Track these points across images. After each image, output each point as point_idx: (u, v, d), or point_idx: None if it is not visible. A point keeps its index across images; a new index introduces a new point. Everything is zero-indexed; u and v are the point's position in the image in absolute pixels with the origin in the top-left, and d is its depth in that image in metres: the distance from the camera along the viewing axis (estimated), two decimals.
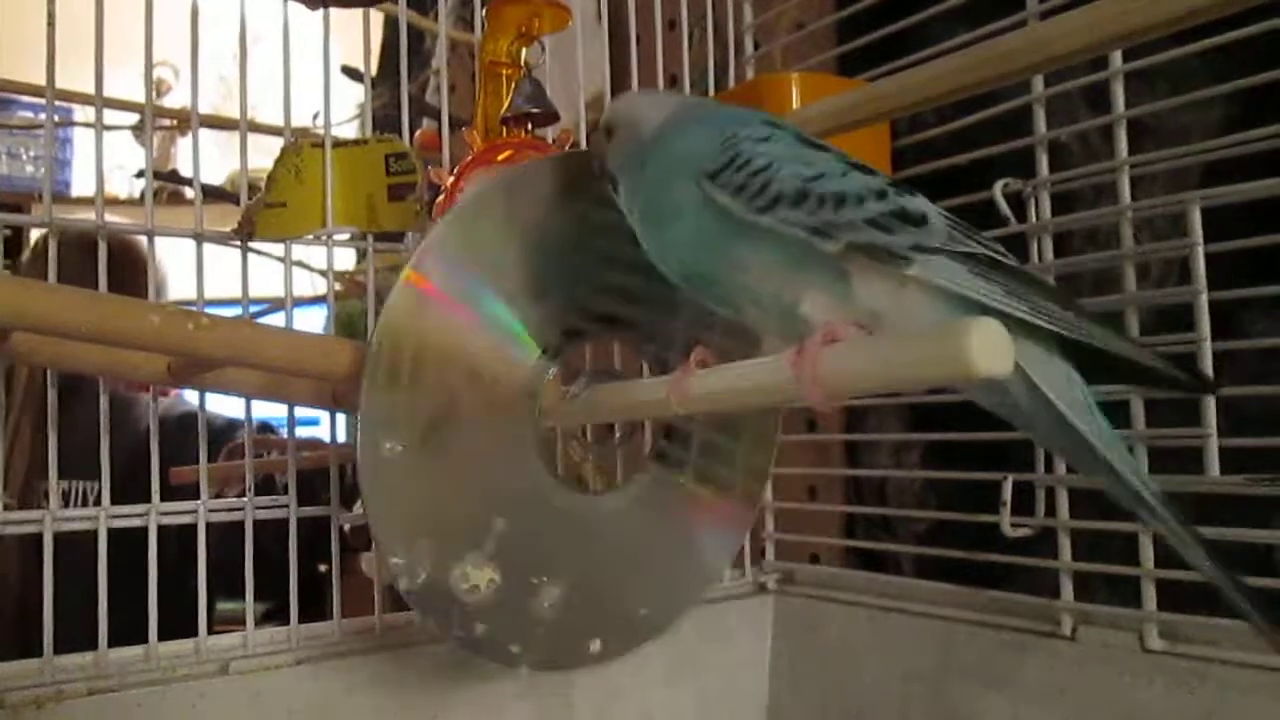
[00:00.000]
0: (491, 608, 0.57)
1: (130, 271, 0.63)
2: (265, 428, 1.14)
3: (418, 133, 1.14)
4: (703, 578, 0.69)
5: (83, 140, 2.55)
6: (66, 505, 0.61)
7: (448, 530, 0.56)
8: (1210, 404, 0.56)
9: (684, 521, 0.66)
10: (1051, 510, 0.65)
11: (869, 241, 0.43)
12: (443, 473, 0.56)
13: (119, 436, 0.62)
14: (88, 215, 0.62)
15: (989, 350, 0.36)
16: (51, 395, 0.61)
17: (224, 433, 1.28)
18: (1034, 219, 0.66)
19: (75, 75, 0.65)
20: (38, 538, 0.59)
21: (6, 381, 1.23)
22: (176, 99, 2.59)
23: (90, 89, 0.62)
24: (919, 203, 0.45)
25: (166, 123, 1.96)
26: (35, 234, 1.33)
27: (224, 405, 1.34)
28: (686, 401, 0.49)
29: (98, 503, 0.61)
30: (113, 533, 0.61)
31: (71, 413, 0.60)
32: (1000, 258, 0.44)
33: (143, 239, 1.16)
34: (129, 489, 0.63)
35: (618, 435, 0.68)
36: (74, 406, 0.60)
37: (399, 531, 0.55)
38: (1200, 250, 0.57)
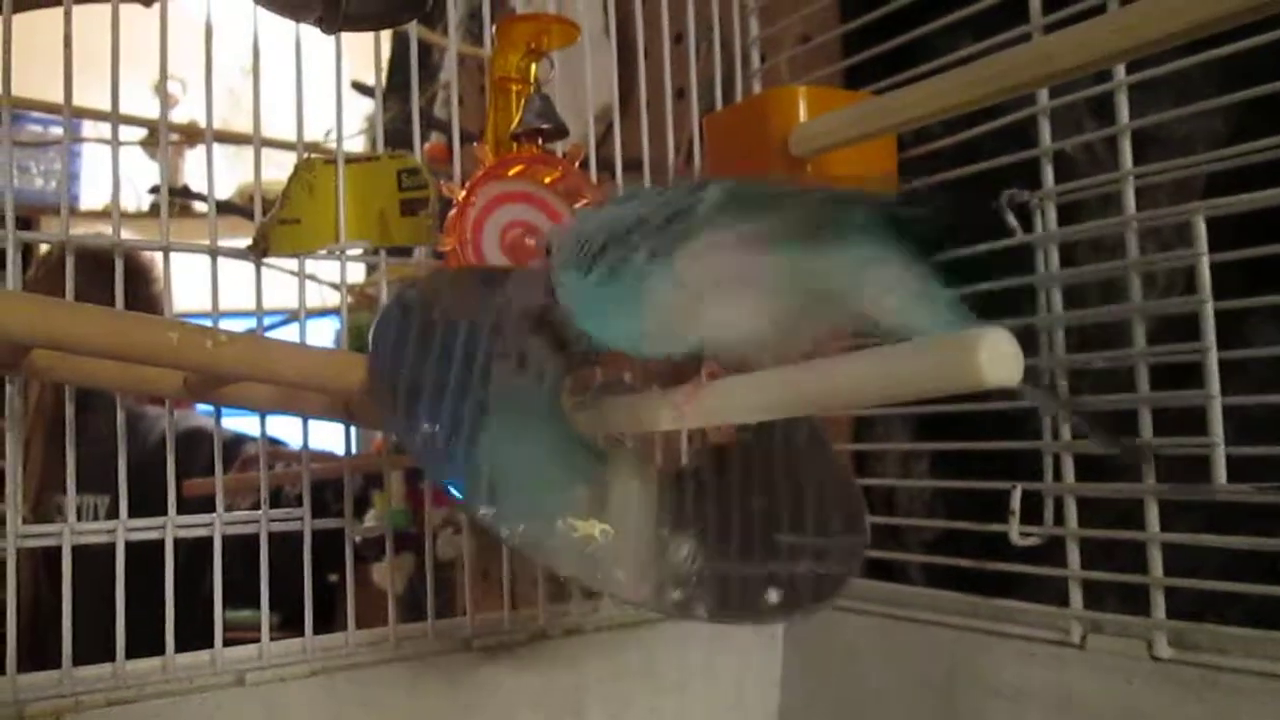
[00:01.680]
0: (624, 557, 0.54)
1: (133, 283, 0.64)
2: (273, 442, 1.15)
3: (426, 146, 1.15)
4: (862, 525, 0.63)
5: (91, 154, 2.57)
6: (80, 519, 0.61)
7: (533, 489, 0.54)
8: (1217, 413, 0.57)
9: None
10: (1060, 519, 0.65)
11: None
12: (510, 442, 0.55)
13: (128, 451, 0.63)
14: (98, 229, 0.63)
15: (998, 360, 0.36)
16: (70, 410, 0.61)
17: (230, 447, 1.29)
18: (1040, 229, 0.67)
19: (84, 90, 0.66)
20: (49, 552, 0.60)
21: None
22: (184, 112, 2.61)
23: (98, 103, 0.63)
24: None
25: (174, 137, 1.97)
26: (40, 246, 1.34)
27: (230, 420, 1.35)
28: (700, 415, 0.49)
29: (109, 516, 0.62)
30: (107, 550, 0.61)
31: (81, 427, 0.61)
32: None
33: (152, 257, 1.19)
34: (136, 504, 0.63)
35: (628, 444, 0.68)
36: (83, 421, 0.61)
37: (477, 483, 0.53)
38: (1205, 260, 0.58)
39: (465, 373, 0.54)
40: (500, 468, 0.52)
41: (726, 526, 0.58)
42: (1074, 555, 0.65)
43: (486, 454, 0.52)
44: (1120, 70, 0.62)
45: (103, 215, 0.64)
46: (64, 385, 0.61)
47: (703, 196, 0.46)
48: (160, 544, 0.63)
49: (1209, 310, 0.57)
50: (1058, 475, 0.66)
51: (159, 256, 0.66)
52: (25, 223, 2.36)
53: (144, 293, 1.13)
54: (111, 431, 0.62)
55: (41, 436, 1.10)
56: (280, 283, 0.80)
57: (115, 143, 0.63)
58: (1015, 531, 0.66)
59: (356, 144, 1.27)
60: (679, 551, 0.56)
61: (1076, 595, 0.64)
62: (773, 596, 0.57)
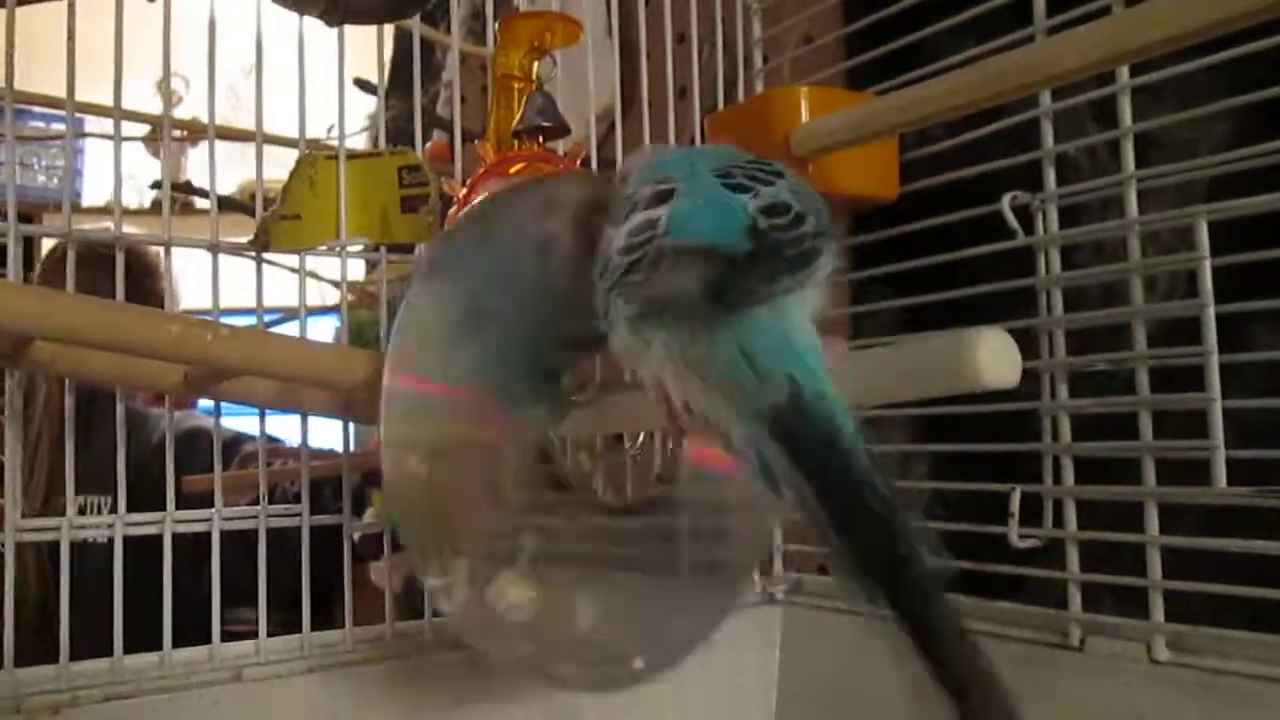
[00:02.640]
0: (535, 626, 0.55)
1: (142, 280, 0.64)
2: (271, 440, 1.15)
3: (428, 144, 1.15)
4: (732, 588, 0.66)
5: (94, 151, 2.57)
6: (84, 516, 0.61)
7: (479, 548, 0.55)
8: (1218, 416, 0.57)
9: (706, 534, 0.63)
10: (1059, 521, 0.65)
11: None
12: (464, 490, 0.55)
13: (130, 451, 0.63)
14: (101, 225, 0.63)
15: (996, 361, 0.36)
16: (69, 401, 0.61)
17: (230, 446, 1.29)
18: (1042, 232, 0.67)
19: (88, 86, 0.66)
20: (58, 549, 0.60)
21: (26, 401, 1.25)
22: (186, 110, 2.61)
23: (101, 99, 0.63)
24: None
25: (178, 134, 1.97)
26: (46, 243, 1.35)
27: (231, 420, 1.35)
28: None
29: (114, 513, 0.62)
30: (127, 543, 0.62)
31: (89, 429, 0.61)
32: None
33: (159, 253, 1.19)
34: (138, 502, 0.63)
35: (629, 445, 0.68)
36: (91, 423, 0.61)
37: (432, 550, 0.53)
38: (1207, 264, 0.58)
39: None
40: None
41: (629, 587, 0.59)
42: (1073, 558, 0.65)
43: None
44: (1124, 73, 0.62)
45: (105, 212, 0.64)
46: (72, 388, 0.61)
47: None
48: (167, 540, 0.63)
49: (1210, 314, 0.57)
50: (1057, 478, 0.66)
51: (187, 260, 0.66)
52: (28, 219, 2.36)
53: (153, 290, 1.14)
54: (114, 437, 0.62)
55: (50, 439, 1.11)
56: (279, 280, 0.80)
57: (118, 138, 0.64)
58: (1014, 534, 0.66)
59: (359, 142, 1.27)
60: (584, 620, 0.56)
61: (1075, 598, 0.64)
62: (638, 664, 0.57)
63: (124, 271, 0.62)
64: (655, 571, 0.61)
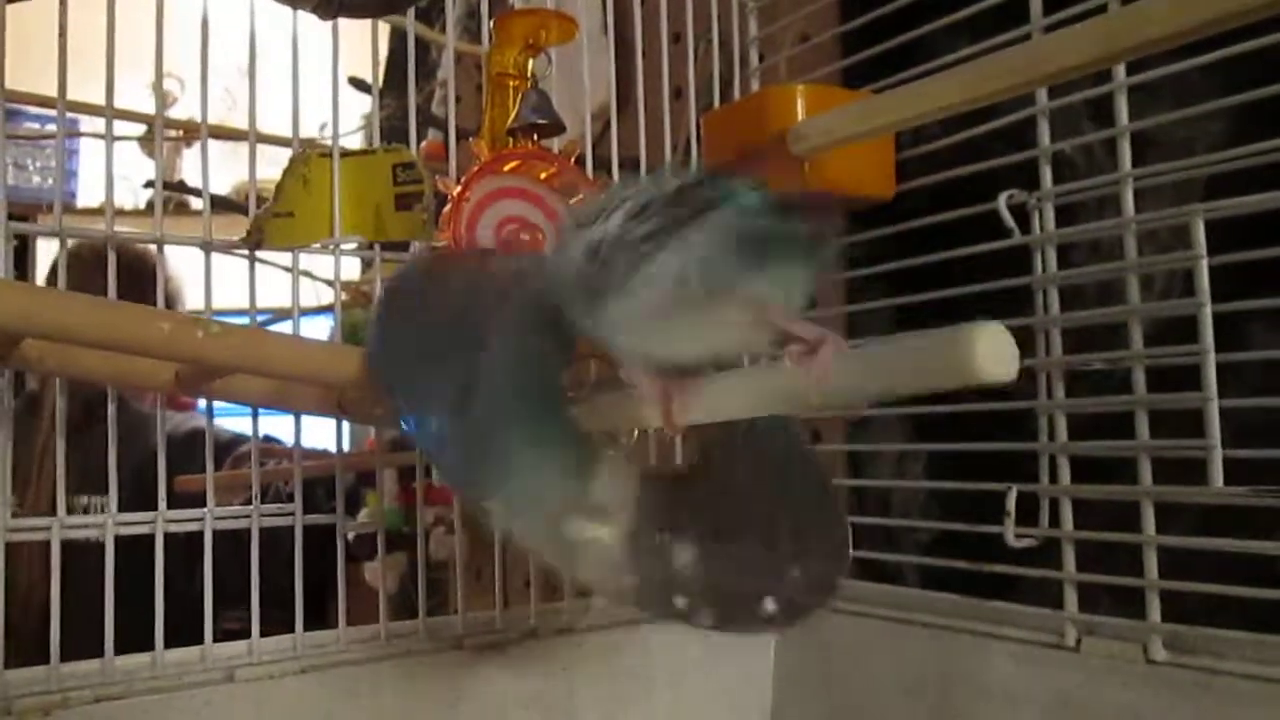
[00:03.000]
0: (631, 560, 0.53)
1: (146, 285, 0.64)
2: (268, 440, 1.15)
3: (423, 143, 1.15)
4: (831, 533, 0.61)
5: (89, 151, 2.56)
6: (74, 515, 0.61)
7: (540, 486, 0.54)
8: (1214, 415, 0.56)
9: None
10: (1056, 521, 0.65)
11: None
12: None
13: (132, 451, 0.63)
14: (95, 225, 0.63)
15: (993, 355, 0.36)
16: (60, 403, 0.61)
17: (229, 447, 1.29)
18: (1038, 231, 0.67)
19: (81, 86, 0.66)
20: (61, 548, 0.60)
21: (34, 405, 1.25)
22: (181, 110, 2.60)
23: (96, 99, 0.63)
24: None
25: (172, 134, 1.97)
26: (53, 250, 1.35)
27: (230, 420, 1.35)
28: (690, 412, 0.49)
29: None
30: (125, 542, 0.61)
31: (93, 431, 0.61)
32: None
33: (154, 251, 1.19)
34: (141, 502, 0.63)
35: (624, 442, 0.68)
36: (95, 425, 0.61)
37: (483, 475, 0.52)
38: (1204, 263, 0.57)
39: (466, 360, 0.53)
40: (506, 461, 0.52)
41: (723, 533, 0.57)
42: (1069, 558, 0.64)
43: (492, 445, 0.52)
44: (1120, 71, 0.62)
45: (99, 213, 0.64)
46: (76, 392, 0.61)
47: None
48: (166, 541, 0.63)
49: (1207, 313, 0.57)
50: (1054, 477, 0.65)
51: (181, 259, 0.66)
52: (22, 219, 2.35)
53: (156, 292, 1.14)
54: (121, 431, 0.62)
55: (56, 444, 1.12)
56: (273, 280, 0.80)
57: (109, 136, 0.63)
58: (1011, 533, 0.65)
59: (354, 141, 1.27)
60: (681, 558, 0.55)
61: (1071, 598, 0.64)
62: (769, 606, 0.56)
63: (133, 278, 0.63)
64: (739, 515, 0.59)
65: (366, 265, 1.13)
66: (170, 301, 1.16)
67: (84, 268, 0.61)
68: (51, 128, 0.64)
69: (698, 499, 0.58)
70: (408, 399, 0.53)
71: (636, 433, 0.67)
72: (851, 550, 0.61)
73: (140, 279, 0.66)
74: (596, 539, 0.53)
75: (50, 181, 2.59)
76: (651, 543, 0.55)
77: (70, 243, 0.64)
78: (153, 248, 0.64)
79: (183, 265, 1.21)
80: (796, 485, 0.61)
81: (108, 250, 0.62)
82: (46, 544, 0.60)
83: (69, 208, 2.39)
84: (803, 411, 0.52)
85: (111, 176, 0.63)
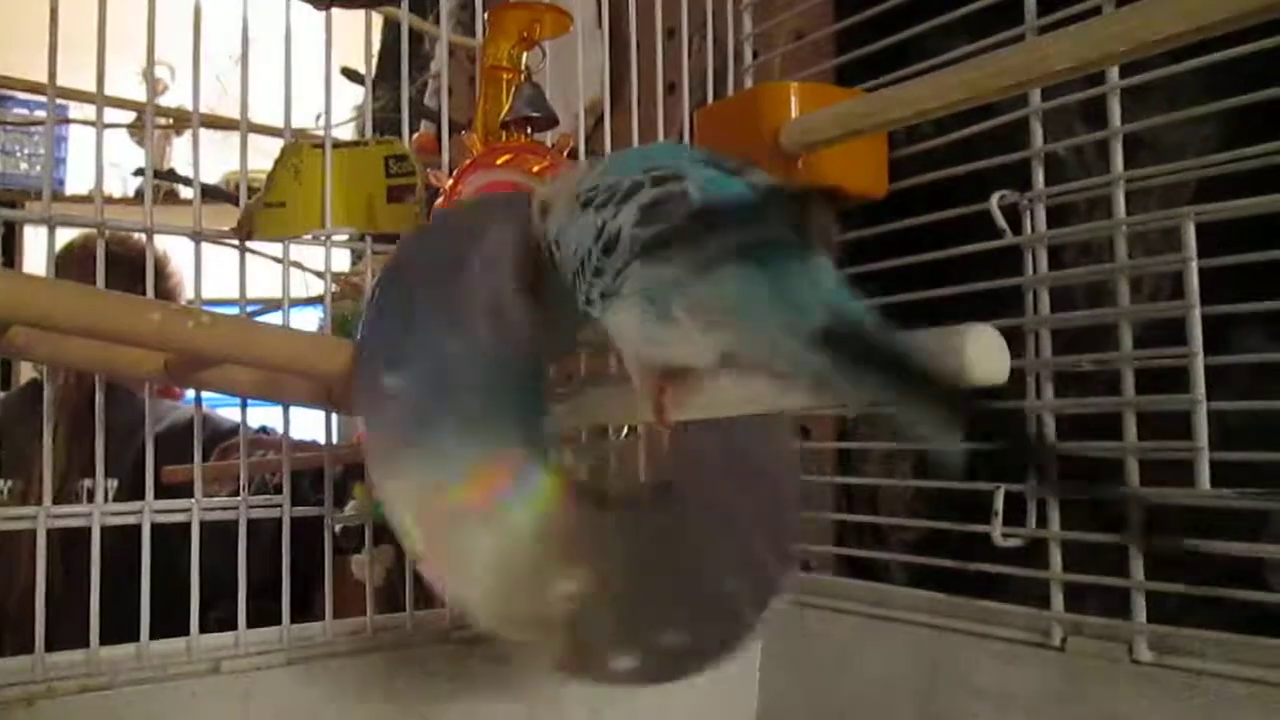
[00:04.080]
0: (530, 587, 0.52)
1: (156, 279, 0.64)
2: (263, 431, 1.15)
3: (415, 135, 1.14)
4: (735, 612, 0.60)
5: (78, 138, 2.55)
6: (91, 501, 0.61)
7: None
8: (1203, 418, 0.57)
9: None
10: (1043, 520, 0.65)
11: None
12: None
13: (135, 440, 0.63)
14: (84, 212, 0.62)
15: (984, 357, 0.36)
16: (49, 390, 0.61)
17: (227, 435, 1.29)
18: (1029, 231, 0.67)
19: (72, 73, 0.65)
20: (65, 537, 0.61)
21: (38, 393, 1.25)
22: (172, 99, 2.59)
23: (86, 86, 0.62)
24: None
25: (163, 122, 1.96)
26: (42, 237, 1.35)
27: (229, 410, 1.35)
28: (679, 410, 0.49)
29: (118, 499, 0.62)
30: (132, 530, 0.62)
31: (104, 415, 0.62)
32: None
33: (166, 250, 1.19)
34: (140, 489, 0.63)
35: (613, 438, 0.68)
36: (105, 410, 0.62)
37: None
38: (1194, 265, 0.58)
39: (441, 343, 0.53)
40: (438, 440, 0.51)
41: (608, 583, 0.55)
42: (1056, 557, 0.65)
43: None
44: (1113, 74, 0.62)
45: (88, 200, 0.63)
46: (91, 382, 0.61)
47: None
48: (169, 530, 0.63)
49: (1196, 315, 0.57)
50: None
51: (175, 250, 0.66)
52: (9, 206, 2.34)
53: (158, 286, 1.14)
54: (125, 420, 0.62)
55: (65, 430, 1.13)
56: (265, 271, 0.80)
57: (100, 124, 0.63)
58: (998, 532, 0.66)
59: (346, 132, 1.27)
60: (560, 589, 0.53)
61: (1058, 597, 0.64)
62: (624, 663, 0.56)
63: (139, 275, 0.63)
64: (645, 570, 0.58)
65: (358, 257, 1.12)
66: (171, 295, 1.16)
67: (91, 263, 0.61)
68: (41, 114, 0.64)
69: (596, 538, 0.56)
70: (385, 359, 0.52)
71: (626, 430, 0.67)
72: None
73: (144, 275, 0.66)
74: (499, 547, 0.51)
75: (39, 168, 2.58)
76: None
77: (78, 237, 0.64)
78: (164, 241, 0.64)
79: (174, 255, 1.21)
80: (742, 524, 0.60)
81: (104, 240, 0.61)
82: (51, 531, 0.60)
83: (58, 195, 2.39)
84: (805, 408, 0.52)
85: (101, 164, 0.63)
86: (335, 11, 0.70)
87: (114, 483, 1.04)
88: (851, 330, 0.39)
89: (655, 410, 0.49)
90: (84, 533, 0.61)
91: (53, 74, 0.60)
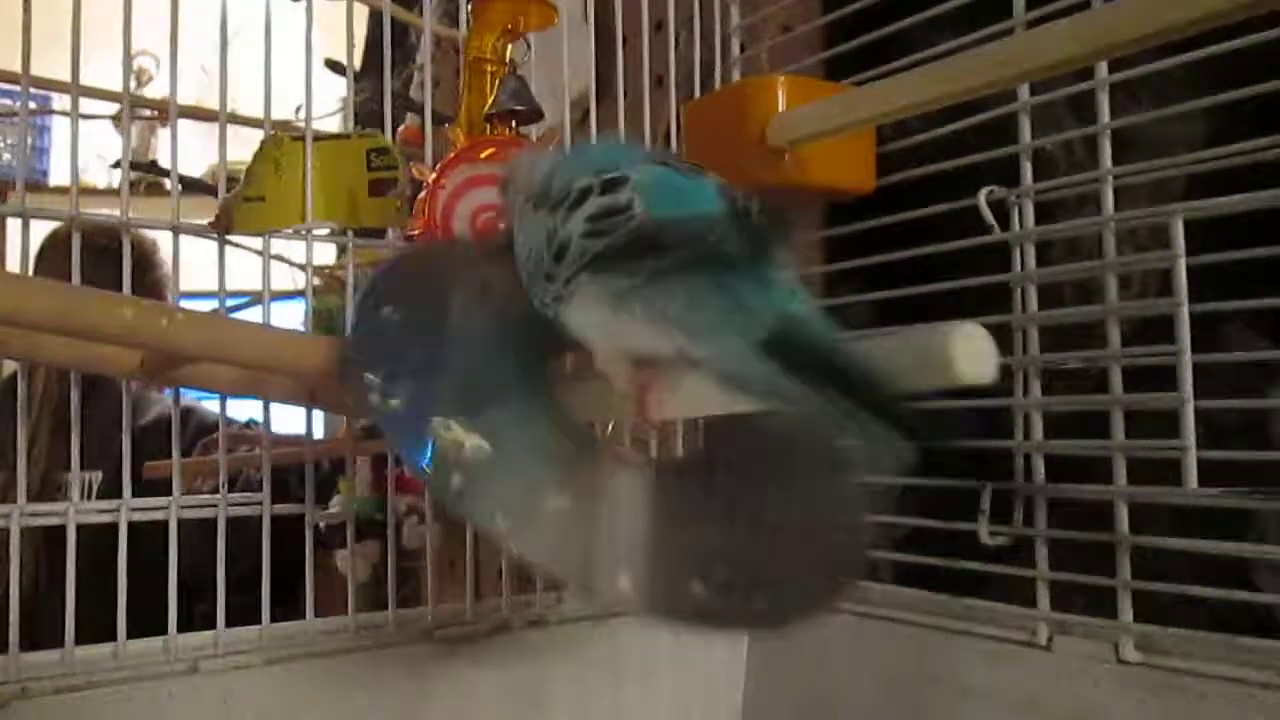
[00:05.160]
0: (481, 467, 0.50)
1: (144, 274, 0.64)
2: (251, 425, 1.14)
3: (400, 129, 1.13)
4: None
5: (60, 129, 2.53)
6: (83, 497, 0.61)
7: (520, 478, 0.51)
8: (1189, 417, 0.56)
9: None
10: (1030, 520, 0.65)
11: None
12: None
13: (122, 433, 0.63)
14: (63, 205, 0.61)
15: (972, 356, 0.36)
16: (22, 388, 0.60)
17: (217, 428, 1.28)
18: (1017, 227, 0.66)
19: (54, 63, 0.64)
20: (50, 534, 0.60)
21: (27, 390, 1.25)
22: (157, 89, 2.57)
23: (67, 76, 0.61)
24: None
25: (146, 113, 1.94)
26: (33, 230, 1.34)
27: (212, 402, 1.34)
28: (660, 407, 0.48)
29: (104, 492, 0.61)
30: (114, 529, 0.61)
31: (87, 407, 0.61)
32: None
33: (155, 239, 1.18)
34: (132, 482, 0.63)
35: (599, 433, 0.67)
36: (89, 402, 0.61)
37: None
38: (1182, 262, 0.57)
39: (444, 350, 0.52)
40: (483, 452, 0.51)
41: (716, 530, 0.54)
42: (1043, 557, 0.64)
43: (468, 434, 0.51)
44: (1102, 69, 0.62)
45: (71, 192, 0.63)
46: (68, 377, 0.60)
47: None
48: (160, 525, 0.62)
49: (1184, 313, 0.57)
50: (1028, 475, 0.65)
51: (164, 241, 0.65)
52: None
53: (146, 278, 1.13)
54: (111, 413, 0.62)
55: (48, 427, 1.13)
56: (247, 264, 0.79)
57: (75, 114, 0.62)
58: (985, 531, 0.65)
59: (330, 125, 1.26)
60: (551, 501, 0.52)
61: (1044, 597, 0.64)
62: (624, 583, 0.52)
63: (121, 261, 0.62)
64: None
65: (341, 251, 1.11)
66: (159, 286, 1.15)
67: (95, 250, 0.60)
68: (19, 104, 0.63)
69: (693, 494, 0.56)
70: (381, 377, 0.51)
71: (612, 425, 0.67)
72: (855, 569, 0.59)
73: (137, 265, 0.65)
74: (458, 443, 0.50)
75: (19, 160, 2.56)
76: (522, 473, 0.52)
77: (63, 225, 0.63)
78: (150, 235, 0.63)
79: (163, 245, 1.20)
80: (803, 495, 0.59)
81: (79, 232, 0.61)
82: (35, 528, 0.60)
83: (41, 187, 2.37)
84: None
85: (77, 155, 0.62)
86: (318, 3, 0.70)
87: (99, 475, 1.04)
88: (799, 338, 0.40)
89: (639, 409, 0.48)
90: (79, 528, 0.60)
91: (26, 66, 0.59)
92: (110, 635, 0.60)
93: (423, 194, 0.65)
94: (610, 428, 0.68)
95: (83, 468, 0.62)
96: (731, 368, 0.41)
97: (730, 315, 0.41)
